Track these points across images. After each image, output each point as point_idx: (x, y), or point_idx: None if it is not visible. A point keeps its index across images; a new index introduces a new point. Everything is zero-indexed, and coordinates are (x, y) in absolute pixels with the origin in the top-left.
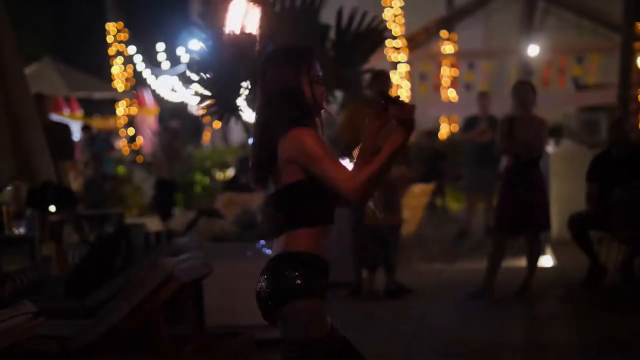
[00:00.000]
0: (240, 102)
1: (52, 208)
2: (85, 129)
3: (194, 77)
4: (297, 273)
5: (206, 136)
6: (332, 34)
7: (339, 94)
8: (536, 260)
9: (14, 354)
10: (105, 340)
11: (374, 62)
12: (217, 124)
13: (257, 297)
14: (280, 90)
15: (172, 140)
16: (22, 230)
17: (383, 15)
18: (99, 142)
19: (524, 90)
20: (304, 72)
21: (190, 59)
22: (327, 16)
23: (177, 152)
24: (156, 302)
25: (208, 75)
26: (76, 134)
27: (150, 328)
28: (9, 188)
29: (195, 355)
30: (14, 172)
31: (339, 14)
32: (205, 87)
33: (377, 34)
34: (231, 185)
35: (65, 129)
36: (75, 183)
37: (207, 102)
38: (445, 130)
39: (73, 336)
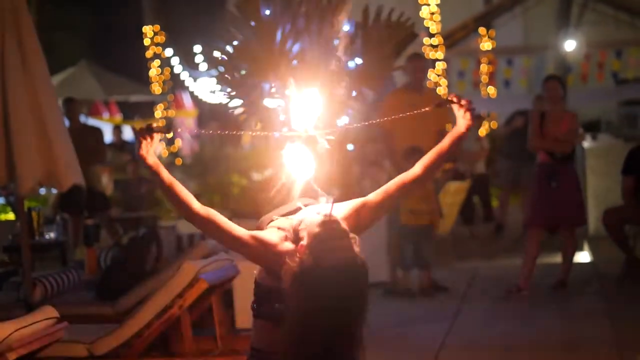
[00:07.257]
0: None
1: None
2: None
3: (222, 79)
4: None
5: (247, 137)
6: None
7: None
8: (572, 255)
9: (38, 359)
10: (131, 345)
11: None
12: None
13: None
14: None
15: None
16: (52, 235)
17: (420, 13)
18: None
19: (553, 86)
20: None
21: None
22: (356, 16)
23: None
24: (182, 305)
25: (236, 75)
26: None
27: (176, 331)
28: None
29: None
30: (39, 177)
31: (365, 11)
32: (233, 88)
33: (405, 30)
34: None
35: (96, 133)
36: (108, 186)
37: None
38: (484, 127)
39: (99, 341)
